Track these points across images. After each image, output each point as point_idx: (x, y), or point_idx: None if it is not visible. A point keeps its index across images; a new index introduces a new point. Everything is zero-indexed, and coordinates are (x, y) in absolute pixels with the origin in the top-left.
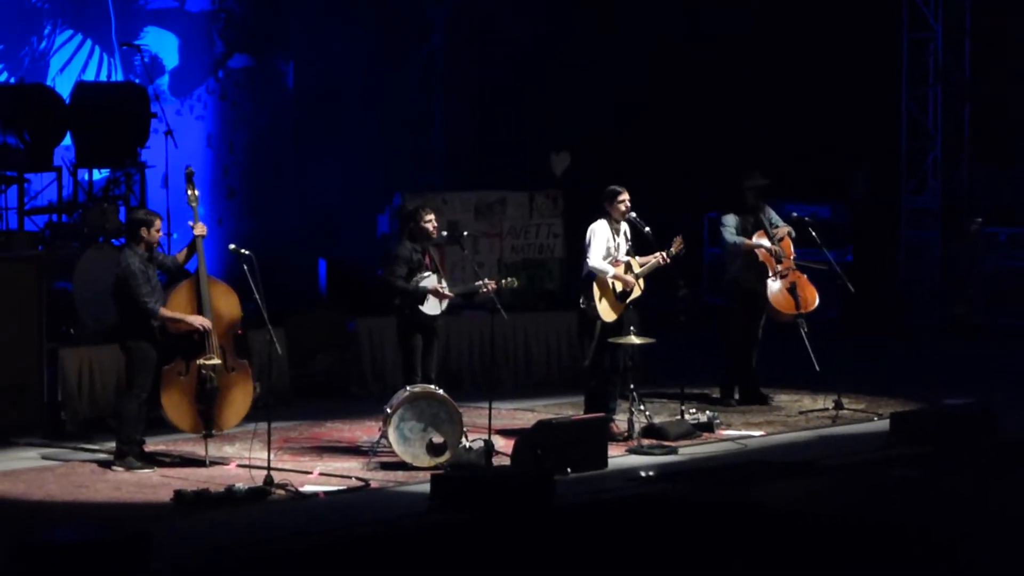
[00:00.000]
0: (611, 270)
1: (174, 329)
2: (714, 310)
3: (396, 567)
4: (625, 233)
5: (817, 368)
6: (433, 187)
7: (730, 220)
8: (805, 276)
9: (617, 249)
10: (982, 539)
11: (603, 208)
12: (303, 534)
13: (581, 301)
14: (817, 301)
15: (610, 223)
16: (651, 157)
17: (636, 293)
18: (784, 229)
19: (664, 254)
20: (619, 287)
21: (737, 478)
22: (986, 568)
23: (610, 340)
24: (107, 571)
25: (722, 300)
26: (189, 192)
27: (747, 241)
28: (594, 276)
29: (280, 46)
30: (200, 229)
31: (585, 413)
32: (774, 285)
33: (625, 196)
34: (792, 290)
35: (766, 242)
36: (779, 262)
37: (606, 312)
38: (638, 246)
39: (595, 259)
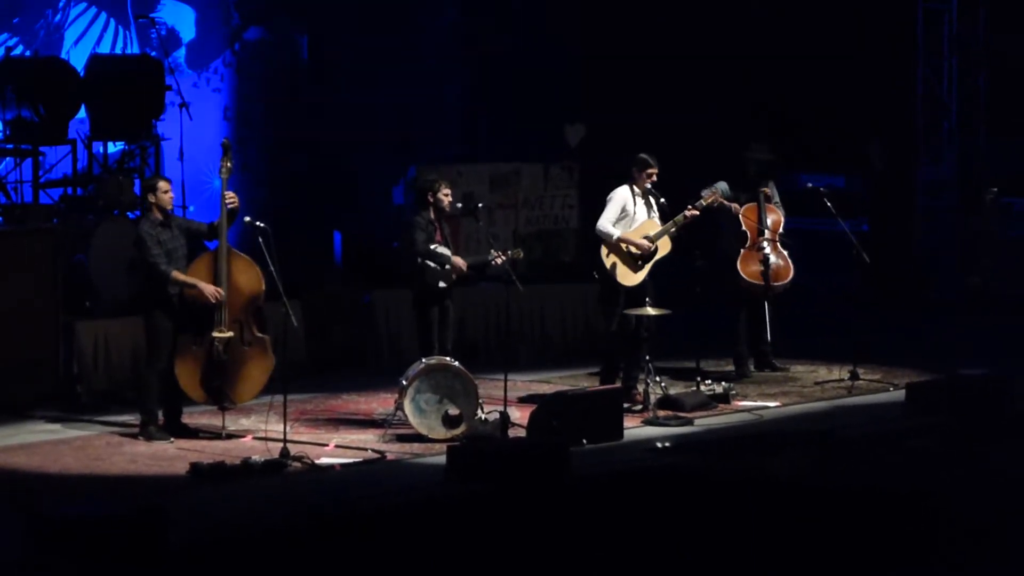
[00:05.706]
0: (616, 233)
1: (188, 296)
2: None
3: (413, 538)
4: (653, 199)
5: (768, 338)
6: (448, 159)
7: (720, 185)
8: (786, 252)
9: (635, 215)
10: (999, 509)
11: (630, 174)
12: (319, 506)
13: (595, 271)
14: (791, 277)
15: (632, 190)
16: (666, 128)
17: (661, 254)
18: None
19: (690, 209)
20: (634, 251)
21: (752, 449)
22: (1004, 539)
23: (625, 312)
24: (123, 544)
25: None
26: (225, 164)
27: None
28: (601, 241)
29: (295, 18)
30: (230, 198)
31: (602, 382)
32: (748, 255)
33: (653, 170)
34: (765, 262)
35: (735, 207)
36: (760, 234)
37: (623, 276)
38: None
39: (601, 222)
